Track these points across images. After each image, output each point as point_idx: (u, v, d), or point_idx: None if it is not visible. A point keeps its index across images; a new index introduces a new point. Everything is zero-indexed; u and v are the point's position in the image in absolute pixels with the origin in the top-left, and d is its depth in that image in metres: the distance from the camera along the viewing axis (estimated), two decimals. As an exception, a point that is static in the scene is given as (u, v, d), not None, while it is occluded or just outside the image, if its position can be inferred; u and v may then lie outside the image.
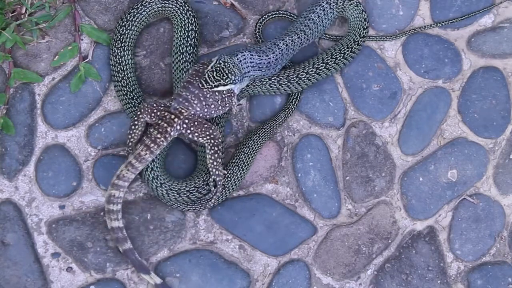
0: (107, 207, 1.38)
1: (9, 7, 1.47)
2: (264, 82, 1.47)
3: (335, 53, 1.49)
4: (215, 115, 1.40)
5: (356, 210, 1.50)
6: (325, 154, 1.51)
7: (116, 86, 1.46)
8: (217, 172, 1.39)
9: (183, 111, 1.37)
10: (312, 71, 1.47)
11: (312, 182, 1.50)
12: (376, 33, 1.56)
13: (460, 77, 1.56)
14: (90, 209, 1.46)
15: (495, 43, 1.57)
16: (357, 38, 1.50)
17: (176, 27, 1.48)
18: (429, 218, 1.51)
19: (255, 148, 1.46)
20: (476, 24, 1.58)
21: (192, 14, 1.48)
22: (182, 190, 1.41)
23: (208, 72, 1.36)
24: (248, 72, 1.40)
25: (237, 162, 1.44)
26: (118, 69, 1.46)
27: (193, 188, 1.41)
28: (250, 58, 1.39)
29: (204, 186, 1.41)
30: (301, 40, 1.46)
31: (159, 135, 1.36)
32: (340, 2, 1.50)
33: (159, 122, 1.36)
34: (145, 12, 1.48)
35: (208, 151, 1.37)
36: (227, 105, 1.39)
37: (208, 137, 1.37)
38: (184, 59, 1.46)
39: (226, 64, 1.36)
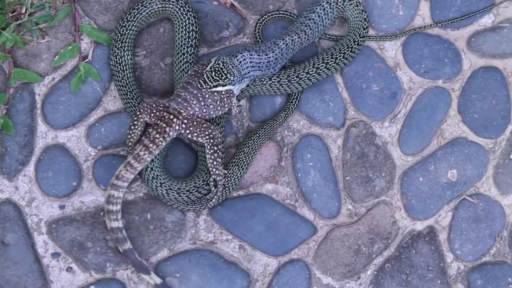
0: (106, 207, 1.38)
1: (9, 7, 1.47)
2: (265, 82, 1.47)
3: (335, 52, 1.49)
4: (214, 116, 1.40)
5: (356, 210, 1.50)
6: (325, 154, 1.51)
7: (117, 85, 1.47)
8: (217, 172, 1.39)
9: (182, 111, 1.37)
10: (312, 70, 1.47)
11: (312, 182, 1.50)
12: (376, 33, 1.56)
13: (460, 77, 1.56)
14: (90, 209, 1.46)
15: (495, 43, 1.57)
16: (357, 38, 1.50)
17: (177, 28, 1.48)
18: (429, 218, 1.51)
19: (255, 148, 1.47)
20: (476, 24, 1.58)
21: (192, 14, 1.48)
22: (182, 189, 1.41)
23: (207, 72, 1.36)
24: (248, 72, 1.40)
25: (237, 162, 1.44)
26: (118, 69, 1.46)
27: (193, 188, 1.41)
28: (250, 58, 1.39)
29: (204, 186, 1.41)
30: (301, 39, 1.46)
31: (158, 136, 1.36)
32: (340, 2, 1.50)
33: (158, 122, 1.37)
34: (146, 13, 1.48)
35: (207, 150, 1.37)
36: (226, 105, 1.39)
37: (207, 137, 1.37)
38: (185, 60, 1.46)
39: (225, 64, 1.36)
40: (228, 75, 1.36)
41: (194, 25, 1.48)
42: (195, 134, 1.37)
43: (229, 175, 1.44)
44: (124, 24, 1.47)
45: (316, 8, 1.49)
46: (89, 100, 1.49)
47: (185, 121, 1.37)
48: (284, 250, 1.48)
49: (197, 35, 1.48)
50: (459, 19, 1.56)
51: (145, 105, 1.38)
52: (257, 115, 1.52)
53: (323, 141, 1.52)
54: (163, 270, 1.44)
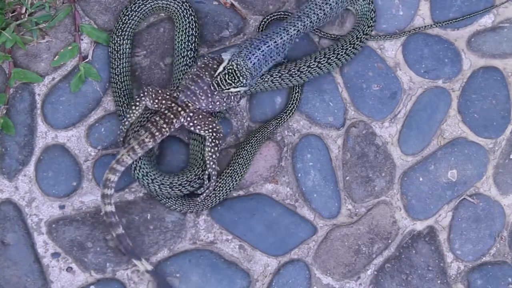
0: (102, 191, 1.38)
1: (9, 7, 1.47)
2: (266, 79, 1.46)
3: (337, 49, 1.49)
4: (217, 110, 1.41)
5: (356, 210, 1.50)
6: (325, 154, 1.51)
7: (111, 73, 1.47)
8: (213, 166, 1.40)
9: (189, 104, 1.38)
10: (314, 64, 1.47)
11: (312, 182, 1.50)
12: (376, 33, 1.56)
13: (460, 77, 1.56)
14: (90, 209, 1.46)
15: (495, 43, 1.57)
16: (360, 35, 1.50)
17: (178, 28, 1.49)
18: (429, 218, 1.51)
19: (255, 147, 1.47)
20: (476, 24, 1.58)
21: (193, 18, 1.48)
22: (174, 183, 1.41)
23: (221, 75, 1.37)
24: (260, 71, 1.40)
25: (239, 162, 1.45)
26: (115, 56, 1.47)
27: (185, 182, 1.41)
28: (263, 56, 1.39)
29: (196, 180, 1.42)
30: (313, 23, 1.43)
31: (164, 125, 1.38)
32: None
33: (166, 112, 1.38)
34: (150, 5, 1.49)
35: (208, 143, 1.39)
36: (232, 103, 1.41)
37: (210, 131, 1.39)
38: (185, 62, 1.46)
39: (238, 67, 1.37)
40: (241, 78, 1.37)
41: (194, 29, 1.48)
42: (199, 127, 1.39)
43: (229, 175, 1.44)
44: (127, 13, 1.48)
45: None
46: (89, 100, 1.49)
47: (191, 114, 1.38)
48: (284, 250, 1.48)
49: (196, 39, 1.48)
50: (459, 19, 1.56)
51: (150, 89, 1.39)
52: (257, 115, 1.52)
53: (323, 141, 1.52)
54: (163, 270, 1.44)
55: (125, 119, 1.41)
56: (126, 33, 1.48)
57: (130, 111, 1.41)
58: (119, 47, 1.47)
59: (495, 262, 1.51)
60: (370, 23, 1.51)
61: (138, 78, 1.51)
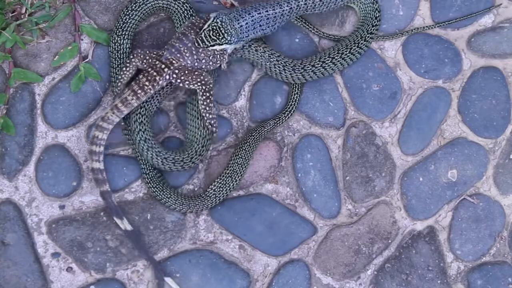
0: (89, 148, 1.40)
1: (9, 7, 1.47)
2: (269, 64, 1.47)
3: (342, 48, 1.49)
4: (204, 68, 1.42)
5: (356, 210, 1.50)
6: (325, 154, 1.51)
7: (111, 72, 1.48)
8: (210, 116, 1.41)
9: (174, 61, 1.39)
10: (318, 64, 1.47)
11: (312, 182, 1.50)
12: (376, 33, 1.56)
13: (460, 77, 1.56)
14: (90, 209, 1.46)
15: (495, 43, 1.57)
16: (364, 34, 1.50)
17: (178, 28, 1.48)
18: (429, 218, 1.51)
19: (253, 146, 1.47)
20: (476, 24, 1.58)
21: (193, 15, 1.48)
22: (177, 159, 1.42)
23: (205, 31, 1.37)
24: (247, 36, 1.40)
25: (238, 161, 1.45)
26: (115, 56, 1.47)
27: (187, 158, 1.42)
28: (252, 21, 1.39)
29: (197, 156, 1.42)
30: (307, 6, 1.44)
31: (147, 83, 1.38)
32: None
33: (149, 70, 1.39)
34: (150, 5, 1.49)
35: (200, 97, 1.40)
36: (218, 62, 1.42)
37: (199, 83, 1.39)
38: None
39: (223, 24, 1.37)
40: (226, 34, 1.37)
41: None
42: (187, 82, 1.40)
43: (229, 175, 1.44)
44: (128, 13, 1.48)
45: None
46: (89, 100, 1.49)
47: (176, 71, 1.39)
48: (284, 250, 1.48)
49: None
50: (459, 19, 1.56)
51: (139, 51, 1.41)
52: (257, 115, 1.52)
53: (323, 141, 1.52)
54: (163, 270, 1.44)
55: (117, 81, 1.43)
56: (126, 33, 1.48)
57: (122, 73, 1.42)
58: (119, 47, 1.48)
59: (495, 262, 1.51)
60: (375, 22, 1.51)
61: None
